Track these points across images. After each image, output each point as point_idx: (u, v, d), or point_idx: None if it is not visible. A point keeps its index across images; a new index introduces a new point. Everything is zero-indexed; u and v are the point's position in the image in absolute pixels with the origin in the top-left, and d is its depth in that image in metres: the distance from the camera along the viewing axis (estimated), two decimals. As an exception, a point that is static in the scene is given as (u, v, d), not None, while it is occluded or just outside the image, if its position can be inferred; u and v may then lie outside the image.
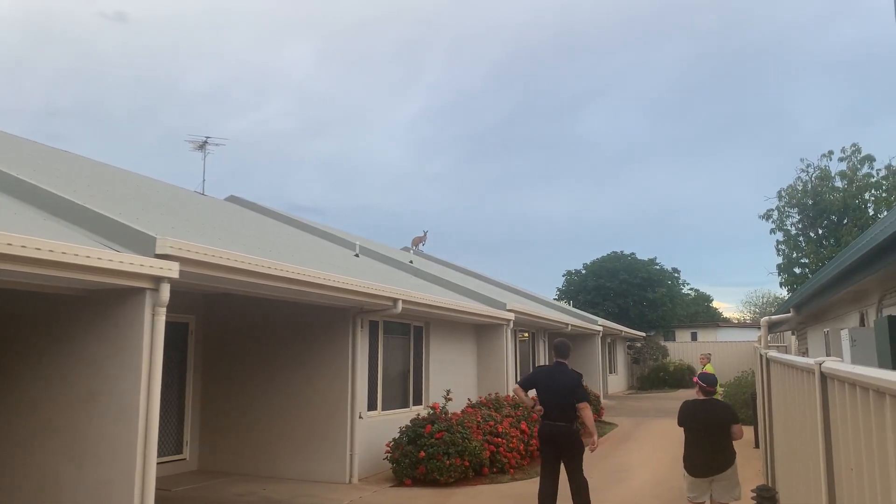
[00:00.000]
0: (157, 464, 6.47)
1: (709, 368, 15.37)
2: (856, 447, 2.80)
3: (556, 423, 7.52)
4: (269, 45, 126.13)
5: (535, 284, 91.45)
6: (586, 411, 7.58)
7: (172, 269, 6.34)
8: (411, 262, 18.34)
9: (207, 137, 18.75)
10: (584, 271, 42.97)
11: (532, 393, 7.80)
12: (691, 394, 7.58)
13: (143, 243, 6.35)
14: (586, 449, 7.54)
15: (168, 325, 6.61)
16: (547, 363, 8.08)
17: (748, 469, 10.15)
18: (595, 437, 7.59)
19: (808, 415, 3.95)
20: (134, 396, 6.17)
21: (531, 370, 8.01)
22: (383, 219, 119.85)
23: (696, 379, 7.11)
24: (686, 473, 6.79)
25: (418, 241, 27.13)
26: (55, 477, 6.43)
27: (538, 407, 7.72)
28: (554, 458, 7.60)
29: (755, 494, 6.91)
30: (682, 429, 6.90)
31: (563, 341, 8.04)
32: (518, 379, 13.62)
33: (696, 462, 6.67)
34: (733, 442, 6.68)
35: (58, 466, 6.44)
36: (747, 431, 13.23)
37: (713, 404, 6.87)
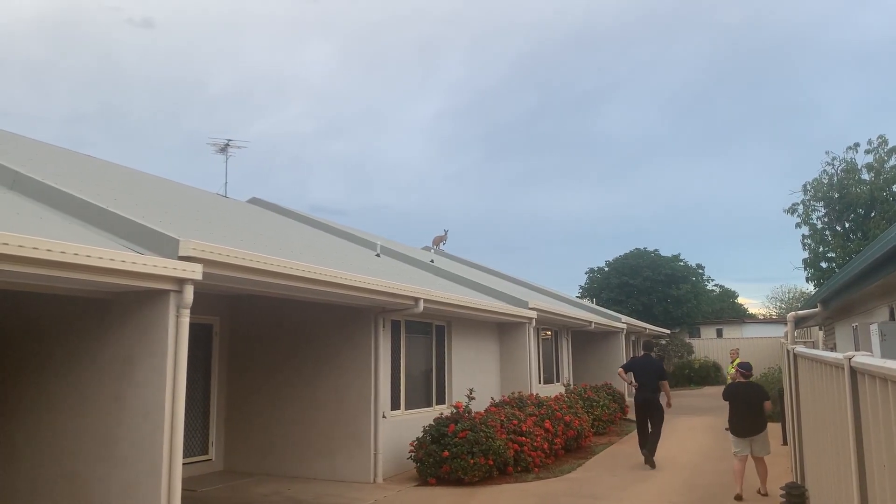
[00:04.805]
0: (184, 464, 6.52)
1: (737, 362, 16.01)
2: (888, 443, 2.73)
3: (647, 394, 11.74)
4: (289, 48, 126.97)
5: (556, 283, 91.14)
6: (666, 386, 12.14)
7: (196, 271, 6.38)
8: (432, 261, 18.34)
9: (229, 140, 18.85)
10: (606, 269, 42.67)
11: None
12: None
13: (166, 245, 6.40)
14: (664, 407, 11.90)
15: (192, 326, 6.66)
16: (636, 355, 13.25)
17: (777, 467, 10.02)
18: (670, 400, 12.44)
19: (838, 411, 3.87)
20: (160, 398, 6.23)
21: (626, 360, 12.76)
22: (403, 219, 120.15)
23: (737, 369, 9.95)
24: (732, 435, 9.28)
25: (439, 240, 27.14)
26: (85, 477, 6.52)
27: (634, 383, 11.86)
28: (645, 416, 11.80)
29: (784, 493, 6.82)
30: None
31: (650, 340, 12.64)
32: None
33: (738, 426, 9.17)
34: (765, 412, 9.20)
35: (87, 467, 6.52)
36: (776, 428, 13.56)
37: (751, 385, 9.50)
